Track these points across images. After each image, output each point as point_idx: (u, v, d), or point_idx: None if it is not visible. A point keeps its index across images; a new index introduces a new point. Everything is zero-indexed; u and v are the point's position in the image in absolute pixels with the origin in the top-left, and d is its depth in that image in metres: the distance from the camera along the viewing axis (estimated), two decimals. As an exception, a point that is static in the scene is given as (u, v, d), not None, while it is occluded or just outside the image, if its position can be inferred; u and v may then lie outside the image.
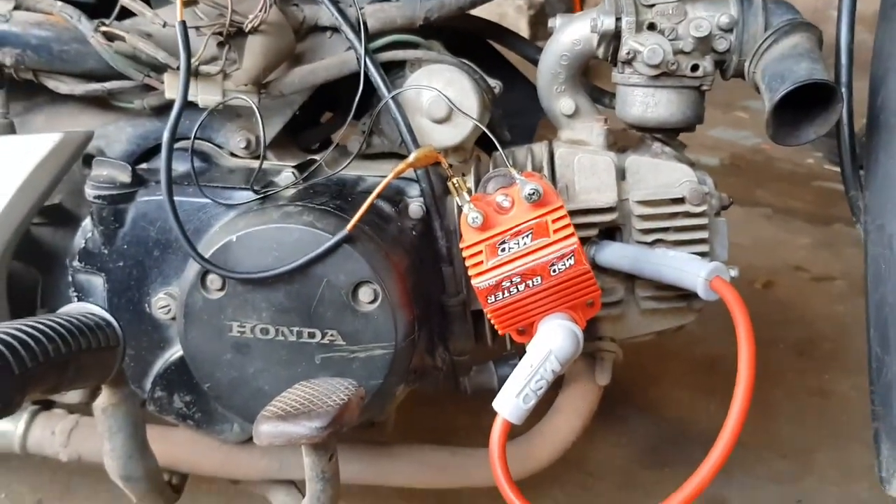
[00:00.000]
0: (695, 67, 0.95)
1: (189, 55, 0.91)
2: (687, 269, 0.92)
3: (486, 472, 0.91)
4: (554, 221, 0.86)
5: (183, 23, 0.90)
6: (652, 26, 0.95)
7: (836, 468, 1.45)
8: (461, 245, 0.88)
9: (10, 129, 1.05)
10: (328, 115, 1.29)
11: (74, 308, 0.87)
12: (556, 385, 1.11)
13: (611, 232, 1.03)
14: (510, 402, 0.85)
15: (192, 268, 0.91)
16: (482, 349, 1.09)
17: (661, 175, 1.01)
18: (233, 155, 1.06)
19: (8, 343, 0.72)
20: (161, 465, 0.99)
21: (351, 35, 0.97)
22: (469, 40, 1.24)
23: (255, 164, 1.01)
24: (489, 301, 0.87)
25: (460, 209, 0.89)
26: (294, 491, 1.09)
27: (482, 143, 1.09)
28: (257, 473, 1.09)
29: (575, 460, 1.44)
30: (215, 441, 1.07)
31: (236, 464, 1.09)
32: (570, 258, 0.85)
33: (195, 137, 0.97)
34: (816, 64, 0.88)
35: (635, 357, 1.72)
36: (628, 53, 0.95)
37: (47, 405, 1.15)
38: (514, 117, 1.21)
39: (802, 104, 0.89)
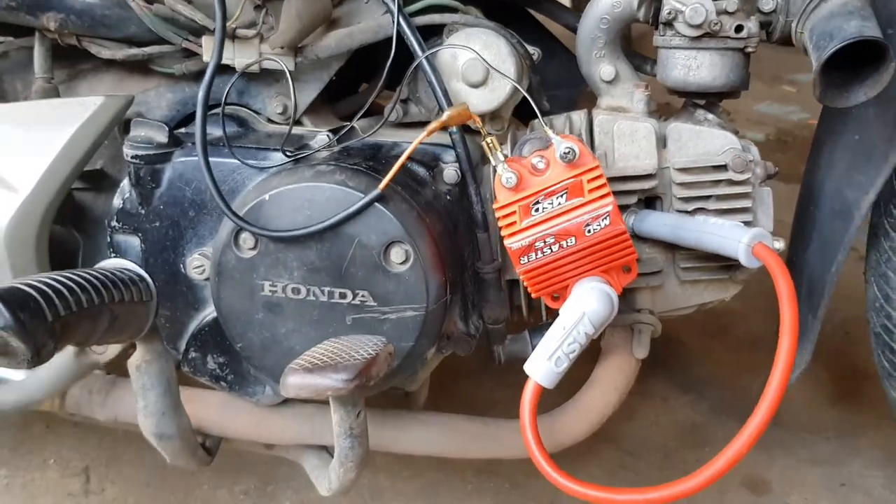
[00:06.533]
0: (739, 28, 0.92)
1: (224, 16, 0.91)
2: (728, 235, 0.89)
3: (518, 442, 0.90)
4: (589, 181, 0.84)
5: (219, -16, 0.90)
6: (694, -15, 0.92)
7: (881, 451, 1.40)
8: (494, 206, 0.87)
9: (55, 93, 1.07)
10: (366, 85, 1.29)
11: (110, 263, 0.88)
12: (593, 359, 1.09)
13: (651, 202, 1.01)
14: (542, 365, 0.83)
15: (226, 226, 0.92)
16: (519, 320, 1.08)
17: (703, 142, 0.98)
18: (270, 121, 1.06)
19: (42, 290, 0.73)
20: (194, 426, 1.01)
21: (387, -3, 0.96)
22: (508, 9, 1.22)
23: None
24: (522, 262, 0.85)
25: (495, 170, 0.87)
26: (325, 455, 1.09)
27: (520, 115, 1.07)
28: (290, 437, 1.09)
29: (614, 438, 1.42)
30: (248, 404, 1.07)
31: (269, 427, 1.09)
32: (606, 218, 0.83)
33: (226, 100, 0.96)
34: (867, 21, 0.85)
35: (677, 335, 1.70)
36: (669, 14, 0.92)
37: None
38: (554, 88, 1.19)
39: (852, 64, 0.85)
